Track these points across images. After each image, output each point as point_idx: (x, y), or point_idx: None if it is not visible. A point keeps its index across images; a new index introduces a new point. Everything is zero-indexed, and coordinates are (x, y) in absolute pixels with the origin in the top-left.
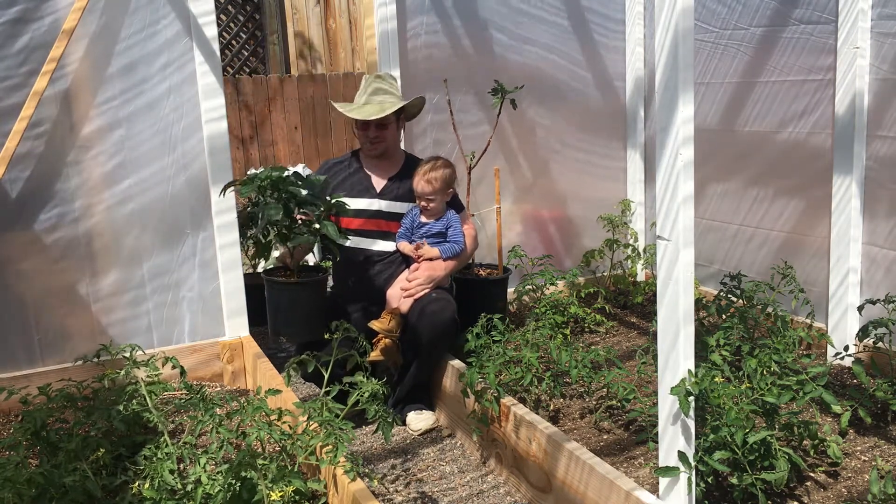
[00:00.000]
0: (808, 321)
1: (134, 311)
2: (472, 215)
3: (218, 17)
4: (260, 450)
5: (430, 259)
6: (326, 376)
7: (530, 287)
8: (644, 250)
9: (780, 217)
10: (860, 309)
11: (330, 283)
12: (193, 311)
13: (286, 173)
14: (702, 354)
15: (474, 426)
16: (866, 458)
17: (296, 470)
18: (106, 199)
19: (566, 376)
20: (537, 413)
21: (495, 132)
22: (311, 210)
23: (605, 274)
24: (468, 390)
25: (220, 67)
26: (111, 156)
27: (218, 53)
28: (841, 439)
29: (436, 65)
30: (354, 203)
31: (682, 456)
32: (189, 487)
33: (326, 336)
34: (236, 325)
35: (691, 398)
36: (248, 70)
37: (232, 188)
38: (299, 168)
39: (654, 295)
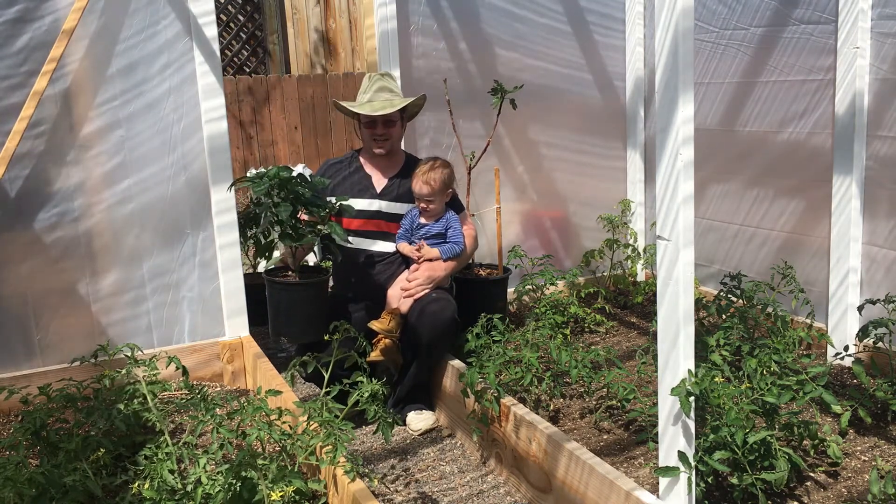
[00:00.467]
0: (808, 321)
1: (134, 310)
2: (472, 215)
3: (218, 17)
4: (260, 450)
5: (430, 260)
6: (326, 376)
7: (530, 287)
8: (644, 250)
9: (780, 217)
10: (860, 309)
11: (330, 283)
12: (193, 311)
13: (293, 174)
14: (702, 354)
15: (474, 426)
16: (866, 458)
17: (296, 470)
18: (106, 198)
19: (566, 376)
20: (537, 413)
21: (495, 132)
22: (316, 211)
23: (605, 274)
24: (468, 390)
25: (220, 67)
26: (111, 156)
27: (218, 53)
28: (841, 439)
29: (436, 64)
30: (354, 203)
31: (682, 456)
32: (189, 487)
33: (326, 337)
34: (236, 325)
35: (691, 398)
36: (248, 70)
37: (239, 185)
38: (300, 168)
39: (654, 295)
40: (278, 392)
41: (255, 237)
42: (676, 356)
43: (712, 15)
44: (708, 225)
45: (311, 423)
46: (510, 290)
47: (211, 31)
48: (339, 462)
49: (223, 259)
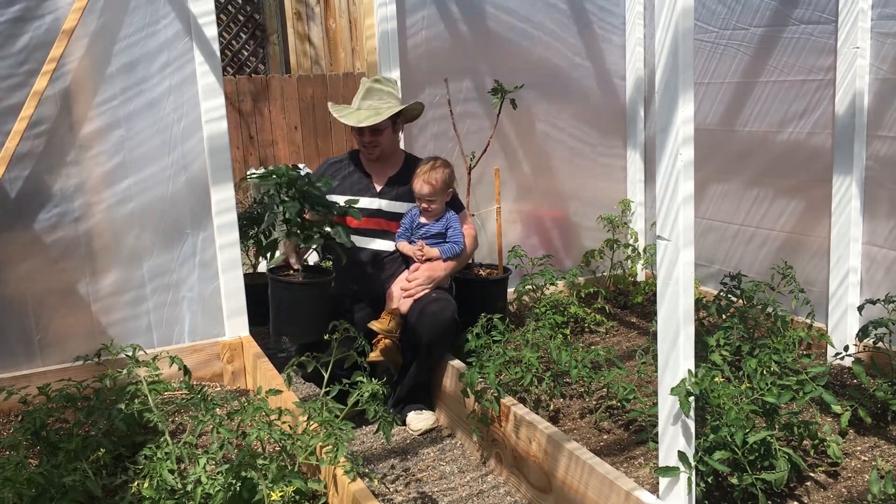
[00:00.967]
0: (808, 321)
1: (134, 310)
2: (472, 215)
3: (218, 17)
4: (260, 450)
5: (430, 259)
6: (326, 376)
7: (530, 287)
8: (644, 250)
9: (780, 217)
10: (860, 309)
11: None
12: (193, 310)
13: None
14: (702, 354)
15: (474, 426)
16: (866, 458)
17: (296, 470)
18: (106, 198)
19: (566, 376)
20: (537, 413)
21: (495, 132)
22: (323, 212)
23: (605, 274)
24: (468, 390)
25: (220, 67)
26: (111, 155)
27: (218, 53)
28: (841, 439)
29: (436, 63)
30: None
31: (682, 456)
32: (189, 487)
33: (326, 337)
34: (236, 325)
35: (691, 398)
36: (248, 70)
37: (249, 180)
38: (300, 168)
39: (654, 295)
40: (278, 392)
41: (257, 237)
42: (676, 356)
43: (712, 15)
44: (708, 225)
45: (311, 423)
46: (510, 290)
47: (211, 31)
48: (339, 462)
49: (223, 259)
